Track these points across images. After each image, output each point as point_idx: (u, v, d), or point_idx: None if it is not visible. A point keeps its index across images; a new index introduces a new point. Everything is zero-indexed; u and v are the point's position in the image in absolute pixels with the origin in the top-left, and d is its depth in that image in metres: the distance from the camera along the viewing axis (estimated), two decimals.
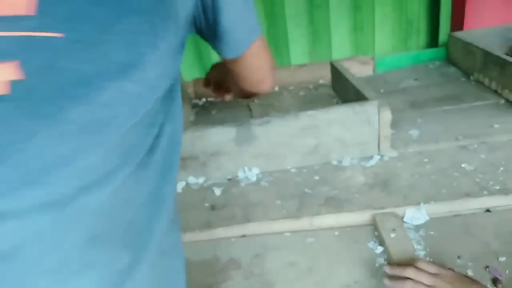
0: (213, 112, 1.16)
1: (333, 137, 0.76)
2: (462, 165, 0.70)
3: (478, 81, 1.05)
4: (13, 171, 0.26)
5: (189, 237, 0.63)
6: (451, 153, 0.74)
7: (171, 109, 0.36)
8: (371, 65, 1.29)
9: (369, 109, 0.74)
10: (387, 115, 0.74)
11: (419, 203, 0.61)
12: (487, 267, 0.50)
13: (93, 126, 0.28)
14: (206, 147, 0.75)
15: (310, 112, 0.74)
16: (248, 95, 0.66)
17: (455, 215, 0.60)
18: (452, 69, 1.18)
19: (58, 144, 0.27)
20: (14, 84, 0.25)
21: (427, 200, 0.62)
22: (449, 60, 1.24)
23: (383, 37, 1.37)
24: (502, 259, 0.51)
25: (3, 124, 0.25)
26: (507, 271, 0.49)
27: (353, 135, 0.76)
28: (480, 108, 0.90)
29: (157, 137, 0.34)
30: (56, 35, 0.26)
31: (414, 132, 0.84)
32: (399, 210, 0.61)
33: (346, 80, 0.96)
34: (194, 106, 1.22)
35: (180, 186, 0.76)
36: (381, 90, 1.12)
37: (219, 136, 0.74)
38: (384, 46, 1.38)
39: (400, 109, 0.97)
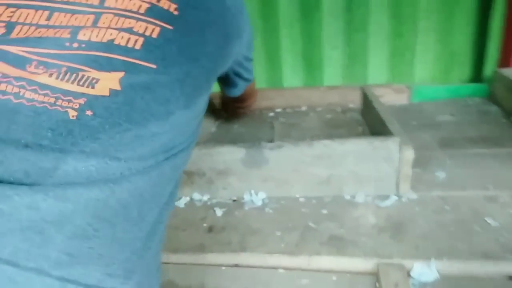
0: (235, 126, 1.14)
1: (348, 170, 0.71)
2: (486, 219, 0.63)
3: None
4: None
5: (179, 258, 0.61)
6: (477, 204, 0.68)
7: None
8: (406, 94, 1.23)
9: (390, 145, 0.69)
10: (409, 154, 0.69)
11: (430, 258, 0.56)
12: None
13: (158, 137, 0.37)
14: (214, 164, 0.72)
15: (325, 142, 0.69)
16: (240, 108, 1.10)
17: (470, 278, 0.54)
18: (493, 108, 1.10)
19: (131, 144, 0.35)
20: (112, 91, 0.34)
21: (439, 256, 0.56)
22: (491, 97, 1.15)
23: (424, 66, 1.30)
24: None
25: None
26: None
27: (370, 170, 0.71)
28: None
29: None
30: (150, 65, 0.36)
31: (440, 174, 0.78)
32: (407, 263, 0.56)
33: (373, 108, 0.91)
34: (218, 117, 1.21)
35: (183, 201, 0.74)
36: (413, 122, 1.06)
37: (228, 155, 0.71)
38: (424, 75, 1.31)
39: (430, 147, 0.91)
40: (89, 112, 0.31)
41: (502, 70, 1.11)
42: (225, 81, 0.78)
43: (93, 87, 0.32)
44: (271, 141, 0.99)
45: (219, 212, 0.70)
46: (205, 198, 0.74)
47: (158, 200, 0.37)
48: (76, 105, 0.31)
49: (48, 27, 0.35)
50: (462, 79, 1.29)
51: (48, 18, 0.36)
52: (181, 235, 0.65)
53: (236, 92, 0.82)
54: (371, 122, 0.97)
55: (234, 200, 0.74)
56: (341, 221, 0.66)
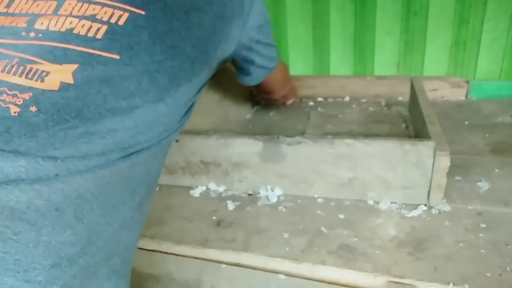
0: (271, 113, 1.10)
1: (373, 173, 0.65)
2: None
3: None
4: None
5: (181, 250, 0.60)
6: None
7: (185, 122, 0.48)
8: (464, 89, 1.10)
9: (422, 150, 0.61)
10: (444, 162, 0.61)
11: (448, 283, 0.49)
12: None
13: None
14: (230, 156, 0.70)
15: (348, 141, 0.64)
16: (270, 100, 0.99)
17: None
18: None
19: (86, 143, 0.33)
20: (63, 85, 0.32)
21: (461, 281, 0.49)
22: None
23: (489, 58, 1.15)
24: None
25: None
26: None
27: (398, 176, 0.64)
28: None
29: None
30: (113, 56, 0.34)
31: (484, 185, 0.69)
32: (420, 285, 0.50)
33: (417, 103, 0.82)
34: (256, 103, 1.18)
35: (199, 190, 0.73)
36: (466, 122, 0.94)
37: (244, 147, 0.68)
38: (488, 69, 1.17)
39: (479, 151, 0.80)
40: (33, 108, 0.30)
41: None
42: (237, 67, 0.70)
43: (42, 81, 0.31)
44: (303, 133, 0.95)
45: (231, 206, 0.68)
46: (221, 189, 0.73)
47: (110, 201, 0.35)
48: (20, 101, 0.30)
49: (7, 14, 0.34)
50: None
51: (8, 5, 0.35)
52: (188, 227, 0.64)
53: (251, 81, 0.72)
54: (415, 120, 0.88)
55: (250, 194, 0.71)
56: (357, 229, 0.60)
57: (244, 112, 1.12)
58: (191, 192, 0.73)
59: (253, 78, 0.72)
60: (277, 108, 1.15)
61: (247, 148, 0.68)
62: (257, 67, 0.68)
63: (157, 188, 0.76)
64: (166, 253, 0.60)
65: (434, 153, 0.61)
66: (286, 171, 0.68)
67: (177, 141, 0.71)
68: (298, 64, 1.35)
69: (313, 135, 0.66)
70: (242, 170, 0.70)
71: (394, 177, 0.64)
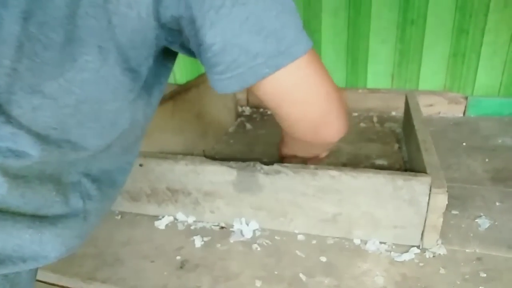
0: (256, 126, 1.02)
1: (361, 209, 0.57)
2: None
3: None
4: None
5: None
6: None
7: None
8: (462, 105, 1.03)
9: (416, 187, 0.53)
10: (441, 200, 0.53)
11: None
12: None
13: None
14: (200, 184, 0.62)
15: (333, 172, 0.56)
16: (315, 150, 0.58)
17: None
18: None
19: None
20: None
21: None
22: None
23: (489, 72, 1.08)
24: None
25: None
26: None
27: (389, 214, 0.56)
28: None
29: None
30: None
31: (483, 222, 0.61)
32: None
33: (411, 123, 0.75)
34: (239, 115, 1.10)
35: (166, 221, 0.65)
36: (463, 144, 0.87)
37: (217, 175, 0.60)
38: (488, 83, 1.10)
39: (478, 180, 0.73)
40: None
41: None
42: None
43: None
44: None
45: (198, 242, 0.60)
46: (190, 220, 0.65)
47: None
48: None
49: None
50: None
51: None
52: (147, 268, 0.55)
53: (220, 86, 0.38)
54: (409, 142, 0.80)
55: (222, 227, 0.63)
56: (340, 277, 0.52)
57: (227, 125, 1.04)
58: (156, 223, 0.65)
59: (214, 84, 0.38)
60: (262, 121, 1.07)
61: (219, 176, 0.60)
62: (219, 54, 0.35)
63: (119, 217, 0.68)
64: None
65: (430, 190, 0.53)
66: (263, 203, 0.60)
67: (141, 165, 0.63)
68: None
69: (294, 164, 0.58)
70: (214, 200, 0.62)
71: (384, 215, 0.56)
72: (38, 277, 0.49)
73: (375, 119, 1.03)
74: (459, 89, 1.09)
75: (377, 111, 1.07)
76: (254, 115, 1.12)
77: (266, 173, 0.58)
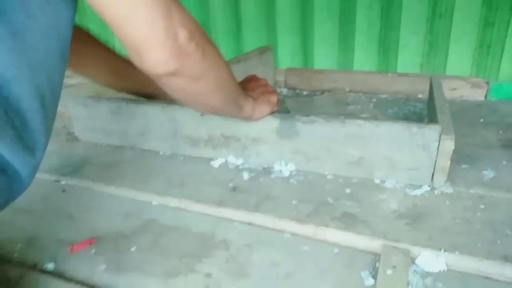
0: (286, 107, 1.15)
1: (381, 154, 0.69)
2: None
3: None
4: None
5: (199, 208, 0.66)
6: None
7: None
8: (484, 89, 1.12)
9: (428, 133, 0.65)
10: (448, 145, 0.65)
11: (441, 249, 0.53)
12: None
13: None
14: (248, 131, 0.76)
15: (359, 121, 0.68)
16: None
17: (480, 278, 0.51)
18: None
19: None
20: None
21: (452, 249, 0.53)
22: None
23: None
24: None
25: None
26: None
27: (404, 157, 0.68)
28: None
29: None
30: None
31: (489, 173, 0.72)
32: (414, 249, 0.54)
33: (433, 99, 0.86)
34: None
35: (219, 162, 0.80)
36: (481, 120, 0.97)
37: (262, 123, 0.74)
38: (511, 73, 1.18)
39: (489, 145, 0.83)
40: None
41: None
42: None
43: None
44: None
45: (246, 176, 0.74)
46: (239, 162, 0.79)
47: None
48: None
49: None
50: None
51: None
52: (206, 190, 0.70)
53: None
54: (430, 113, 0.91)
55: (264, 168, 0.77)
56: (361, 202, 0.65)
57: None
58: (211, 163, 0.79)
59: None
60: (297, 102, 1.20)
61: (265, 124, 0.74)
62: None
63: (181, 158, 0.83)
64: (185, 210, 0.67)
65: (440, 137, 0.65)
66: (300, 148, 0.74)
67: (201, 115, 0.78)
68: (323, 59, 1.40)
69: (328, 115, 0.71)
70: (259, 145, 0.76)
71: (401, 158, 0.68)
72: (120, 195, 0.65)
73: (402, 100, 1.13)
74: (484, 77, 1.18)
75: (404, 94, 1.18)
76: (291, 96, 1.25)
77: (304, 122, 0.72)
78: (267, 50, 1.21)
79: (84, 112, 0.90)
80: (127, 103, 0.85)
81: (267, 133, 0.75)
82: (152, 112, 0.83)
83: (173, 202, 0.68)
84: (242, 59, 1.06)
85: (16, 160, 0.40)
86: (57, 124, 1.01)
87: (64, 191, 0.75)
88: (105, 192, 0.74)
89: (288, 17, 1.39)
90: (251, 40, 1.46)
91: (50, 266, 0.56)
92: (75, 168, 0.82)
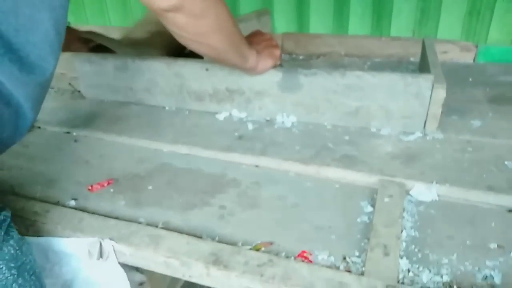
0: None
1: (378, 103, 0.74)
2: (506, 163, 0.64)
3: None
4: None
5: (208, 154, 0.71)
6: (502, 150, 0.67)
7: None
8: (472, 52, 1.17)
9: (421, 83, 0.70)
10: (440, 93, 0.70)
11: (432, 181, 0.59)
12: None
13: None
14: (252, 84, 0.80)
15: (358, 73, 0.73)
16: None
17: (468, 206, 0.56)
18: None
19: None
20: None
21: (443, 182, 0.59)
22: None
23: (501, 28, 1.21)
24: (490, 263, 0.47)
25: None
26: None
27: (399, 106, 0.73)
28: None
29: None
30: None
31: (476, 123, 0.77)
32: (408, 183, 0.59)
33: (426, 60, 0.90)
34: None
35: (223, 115, 0.84)
36: (470, 79, 1.02)
37: (265, 76, 0.78)
38: (499, 38, 1.23)
39: (476, 100, 0.89)
40: None
41: None
42: None
43: None
44: None
45: (251, 126, 0.78)
46: (243, 115, 0.83)
47: None
48: None
49: None
50: None
51: None
52: (214, 138, 0.74)
53: None
54: (422, 71, 0.96)
55: (267, 120, 0.81)
56: (359, 146, 0.70)
57: None
58: (217, 116, 0.83)
59: None
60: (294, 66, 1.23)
61: (268, 77, 0.78)
62: None
63: (187, 112, 0.87)
64: (196, 156, 0.71)
65: (432, 86, 0.70)
66: (301, 100, 0.78)
67: (207, 69, 0.81)
68: (318, 26, 1.42)
69: (329, 67, 0.75)
70: (262, 98, 0.80)
71: (396, 107, 0.73)
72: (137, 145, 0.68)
73: (395, 63, 1.18)
74: (473, 41, 1.23)
75: (397, 57, 1.22)
76: (287, 60, 1.29)
77: (305, 75, 0.76)
78: (265, 13, 1.23)
79: (89, 69, 0.93)
80: (132, 59, 0.87)
81: (269, 86, 0.79)
82: (158, 67, 0.86)
83: (183, 149, 0.73)
84: (240, 19, 1.09)
85: (17, 89, 0.43)
86: (62, 82, 1.04)
87: (76, 141, 0.79)
88: (117, 141, 0.77)
89: None
90: (247, 6, 1.48)
91: (72, 203, 0.60)
92: (84, 121, 0.85)
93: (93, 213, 0.58)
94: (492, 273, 0.45)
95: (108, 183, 0.64)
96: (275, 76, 0.77)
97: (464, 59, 1.17)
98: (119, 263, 0.52)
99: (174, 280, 0.70)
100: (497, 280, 0.44)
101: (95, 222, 0.54)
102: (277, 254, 0.48)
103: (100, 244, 0.51)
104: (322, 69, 0.75)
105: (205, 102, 0.85)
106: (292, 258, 0.48)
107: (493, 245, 0.49)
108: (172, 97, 0.88)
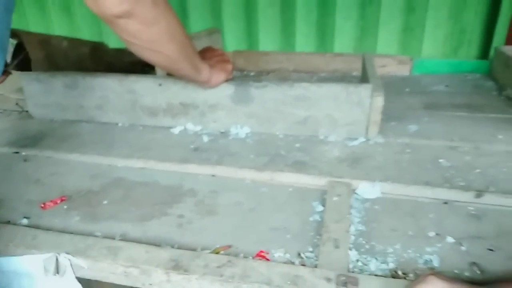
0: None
1: (324, 113, 0.79)
2: (440, 161, 0.70)
3: (509, 97, 1.01)
4: None
5: (165, 166, 0.72)
6: (437, 151, 0.74)
7: None
8: (408, 65, 1.28)
9: (362, 91, 0.76)
10: (379, 101, 0.76)
11: (375, 180, 0.64)
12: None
13: None
14: (206, 98, 0.82)
15: (304, 84, 0.78)
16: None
17: (409, 200, 0.62)
18: (490, 83, 1.13)
19: None
20: None
21: (385, 180, 0.64)
22: (490, 74, 1.19)
23: (432, 42, 1.33)
24: (429, 249, 0.52)
25: None
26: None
27: (343, 114, 0.79)
28: (495, 121, 0.87)
29: None
30: None
31: (413, 127, 0.85)
32: (354, 182, 0.64)
33: (366, 74, 0.98)
34: None
35: (178, 129, 0.85)
36: (407, 89, 1.11)
37: (218, 90, 0.81)
38: (432, 52, 1.35)
39: (413, 107, 0.97)
40: None
41: (501, 47, 1.14)
42: None
43: None
44: None
45: (206, 138, 0.80)
46: (198, 128, 0.85)
47: None
48: None
49: None
50: (470, 56, 1.32)
51: None
52: (169, 151, 0.76)
53: None
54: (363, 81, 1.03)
55: (222, 132, 0.84)
56: (309, 153, 0.74)
57: None
58: (171, 130, 0.85)
59: None
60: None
61: (221, 91, 0.81)
62: None
63: (141, 128, 0.87)
64: (152, 169, 0.72)
65: (372, 94, 0.76)
66: (254, 112, 0.82)
67: (160, 85, 0.83)
68: (267, 44, 1.49)
69: (278, 80, 0.79)
70: (216, 111, 0.83)
71: (340, 115, 0.79)
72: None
73: (339, 77, 1.26)
74: (408, 55, 1.34)
75: (341, 72, 1.30)
76: (239, 76, 1.33)
77: (256, 87, 0.79)
78: (215, 31, 1.27)
79: (38, 87, 0.91)
80: (83, 76, 0.87)
81: (223, 99, 0.81)
82: (109, 84, 0.86)
83: (138, 163, 0.73)
84: (191, 37, 1.11)
85: None
86: (8, 103, 1.01)
87: (25, 160, 0.76)
88: (68, 159, 0.76)
89: (232, 4, 1.46)
90: (197, 26, 1.52)
91: (24, 221, 0.59)
92: (33, 140, 0.83)
93: (48, 229, 0.56)
94: (432, 257, 0.50)
95: (62, 200, 0.63)
96: (228, 89, 0.81)
97: (401, 72, 1.27)
98: (76, 277, 0.51)
99: None
100: (436, 263, 0.49)
101: (49, 238, 0.53)
102: (236, 255, 0.50)
103: (56, 259, 0.50)
104: (272, 82, 0.79)
105: (159, 117, 0.87)
106: (250, 258, 0.50)
107: (431, 234, 0.54)
108: (125, 113, 0.88)
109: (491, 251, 0.51)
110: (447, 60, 1.27)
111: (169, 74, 0.78)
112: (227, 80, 0.80)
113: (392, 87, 1.13)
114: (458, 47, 1.31)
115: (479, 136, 0.80)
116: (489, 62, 1.21)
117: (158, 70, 0.90)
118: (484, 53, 1.29)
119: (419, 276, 0.44)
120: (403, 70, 1.28)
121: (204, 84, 0.77)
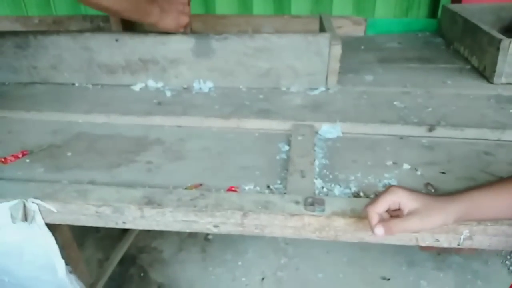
0: None
1: (285, 64, 0.81)
2: (395, 103, 0.75)
3: (456, 50, 1.07)
4: None
5: (128, 120, 0.71)
6: (392, 95, 0.79)
7: None
8: (363, 26, 1.31)
9: (320, 41, 0.78)
10: (337, 49, 0.79)
11: (336, 121, 0.67)
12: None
13: None
14: (166, 53, 0.81)
15: (265, 35, 0.79)
16: None
17: (367, 138, 0.65)
18: (439, 40, 1.19)
19: None
20: None
21: (345, 120, 0.67)
22: (439, 31, 1.25)
23: (385, 4, 1.38)
24: (387, 175, 0.56)
25: None
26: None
27: (304, 65, 0.81)
28: (444, 70, 0.93)
29: None
30: None
31: (369, 78, 0.88)
32: (316, 124, 0.67)
33: (324, 29, 0.99)
34: None
35: (139, 86, 0.84)
36: (362, 47, 1.15)
37: (178, 44, 0.80)
38: (385, 13, 1.39)
39: (368, 61, 1.01)
40: None
41: (449, 6, 1.20)
42: None
43: None
44: None
45: (169, 94, 0.80)
46: (159, 85, 0.84)
47: None
48: None
49: None
50: (421, 16, 1.38)
51: None
52: (132, 106, 0.75)
53: None
54: None
55: (185, 88, 0.83)
56: (272, 102, 0.76)
57: None
58: (132, 87, 0.83)
59: None
60: None
61: (181, 44, 0.80)
62: None
63: (99, 87, 0.85)
64: (114, 124, 0.71)
65: (330, 43, 0.78)
66: (216, 65, 0.82)
67: (117, 40, 0.81)
68: (224, 8, 1.47)
69: (239, 32, 0.79)
70: (177, 66, 0.82)
71: (301, 66, 0.81)
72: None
73: None
74: (363, 16, 1.38)
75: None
76: None
77: (217, 40, 0.79)
78: None
79: None
80: (34, 35, 0.83)
81: (184, 54, 0.81)
82: (63, 42, 0.82)
83: (100, 118, 0.72)
84: None
85: None
86: None
87: None
88: (25, 118, 0.73)
89: None
90: None
91: None
92: None
93: (11, 179, 0.55)
94: (390, 182, 0.54)
95: (23, 154, 0.61)
96: (188, 42, 0.80)
97: (356, 32, 1.31)
98: (46, 224, 0.50)
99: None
100: None
101: (14, 186, 0.52)
102: (207, 190, 0.52)
103: (24, 205, 0.49)
104: (233, 34, 0.79)
105: (118, 75, 0.85)
106: (222, 191, 0.51)
107: (389, 163, 0.58)
108: (81, 72, 0.85)
109: (443, 174, 0.55)
110: (399, 20, 1.32)
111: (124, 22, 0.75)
112: (179, 32, 0.78)
113: (349, 46, 1.16)
114: (409, 7, 1.37)
115: (430, 82, 0.85)
116: (437, 21, 1.27)
117: (113, 25, 0.88)
118: (433, 12, 1.35)
119: None
120: (358, 31, 1.31)
121: (153, 24, 0.73)
